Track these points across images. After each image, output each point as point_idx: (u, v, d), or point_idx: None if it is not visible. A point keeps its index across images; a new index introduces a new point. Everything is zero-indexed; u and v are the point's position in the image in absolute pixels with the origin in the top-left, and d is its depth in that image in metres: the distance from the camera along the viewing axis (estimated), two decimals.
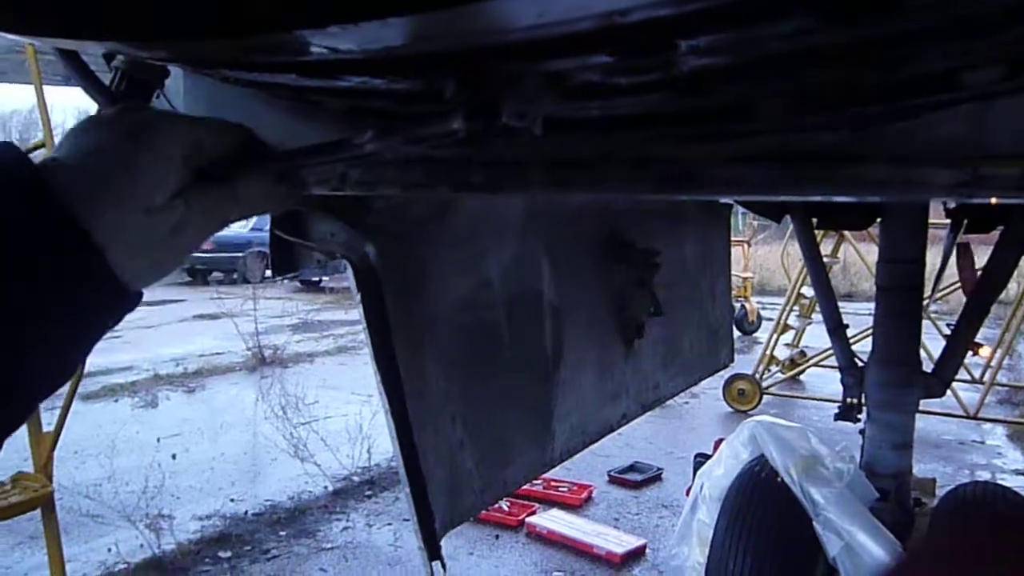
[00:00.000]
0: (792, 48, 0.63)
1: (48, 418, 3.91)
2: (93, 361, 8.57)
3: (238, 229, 18.36)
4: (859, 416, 3.84)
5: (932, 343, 5.43)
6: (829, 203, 3.39)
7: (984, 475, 6.49)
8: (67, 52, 1.05)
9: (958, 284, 7.16)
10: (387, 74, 0.67)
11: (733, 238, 11.57)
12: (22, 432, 3.78)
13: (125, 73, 1.23)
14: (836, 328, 3.87)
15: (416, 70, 0.65)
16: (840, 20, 0.54)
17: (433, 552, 1.78)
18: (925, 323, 5.78)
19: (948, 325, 4.45)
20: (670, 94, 0.73)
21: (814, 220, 3.80)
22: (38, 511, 3.62)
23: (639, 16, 0.50)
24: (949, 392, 6.77)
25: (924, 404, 3.99)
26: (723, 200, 3.31)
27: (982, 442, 7.53)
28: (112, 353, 10.04)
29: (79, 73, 1.11)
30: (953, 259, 4.05)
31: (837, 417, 3.89)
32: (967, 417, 7.66)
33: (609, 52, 0.60)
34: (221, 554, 4.83)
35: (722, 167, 0.87)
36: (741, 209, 4.69)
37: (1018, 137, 0.75)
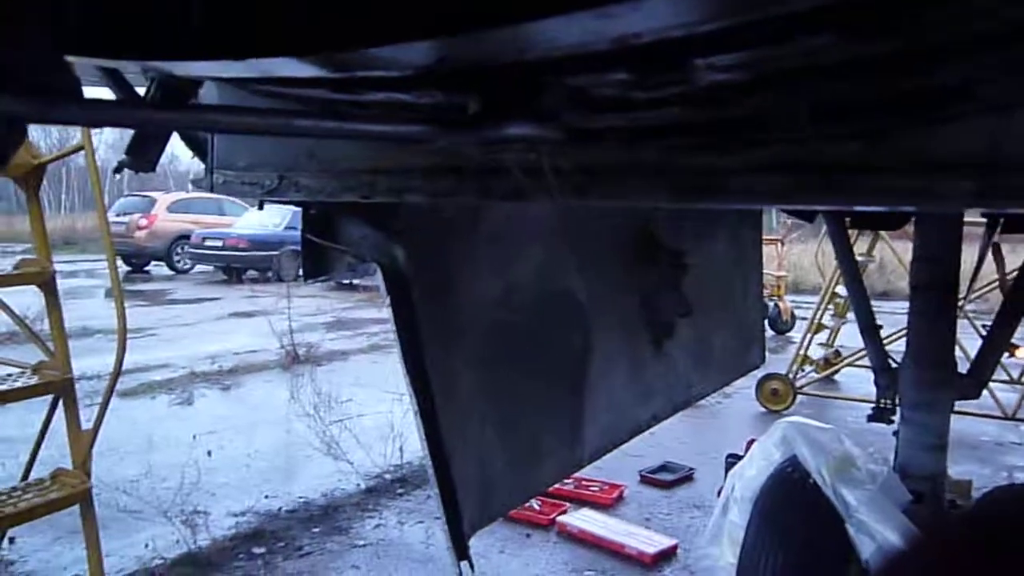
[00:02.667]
0: (806, 64, 0.64)
1: (87, 415, 4.00)
2: (131, 359, 8.72)
3: (273, 228, 18.58)
4: (893, 418, 3.81)
5: (969, 343, 5.35)
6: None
7: (1023, 477, 6.39)
8: (108, 69, 1.09)
9: (995, 283, 7.07)
10: (413, 90, 0.69)
11: (767, 236, 11.48)
12: (61, 429, 3.87)
13: (160, 83, 1.27)
14: (869, 328, 3.84)
15: (441, 86, 0.67)
16: (853, 39, 0.55)
17: (461, 552, 1.81)
18: (962, 322, 5.71)
19: (984, 327, 4.39)
20: (688, 107, 0.74)
21: (847, 219, 3.78)
22: (77, 507, 3.69)
23: (652, 37, 0.52)
24: (986, 392, 6.70)
25: (961, 405, 3.95)
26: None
27: (1021, 443, 7.41)
28: (149, 351, 10.19)
29: (117, 85, 1.15)
30: (989, 257, 4.01)
31: (870, 419, 3.86)
32: (1005, 418, 7.54)
33: (626, 69, 0.61)
34: (255, 550, 4.89)
35: (741, 176, 0.88)
36: (774, 208, 4.66)
37: None
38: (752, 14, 0.49)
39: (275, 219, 18.75)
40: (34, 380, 3.79)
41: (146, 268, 21.69)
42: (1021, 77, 0.71)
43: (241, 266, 18.94)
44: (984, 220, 3.68)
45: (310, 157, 1.21)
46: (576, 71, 0.62)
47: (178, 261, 21.12)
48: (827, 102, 0.80)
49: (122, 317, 3.84)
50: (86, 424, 3.75)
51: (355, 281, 17.81)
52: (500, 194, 1.01)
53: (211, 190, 1.44)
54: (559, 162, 0.86)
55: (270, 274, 18.40)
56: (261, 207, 1.49)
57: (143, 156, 1.37)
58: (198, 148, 1.46)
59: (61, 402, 3.87)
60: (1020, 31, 0.64)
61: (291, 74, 0.68)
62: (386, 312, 1.81)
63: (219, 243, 19.35)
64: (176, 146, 1.62)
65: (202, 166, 1.47)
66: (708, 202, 0.93)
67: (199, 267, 20.98)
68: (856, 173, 0.86)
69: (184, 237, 20.55)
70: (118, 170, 1.37)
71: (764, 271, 9.72)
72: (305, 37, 0.57)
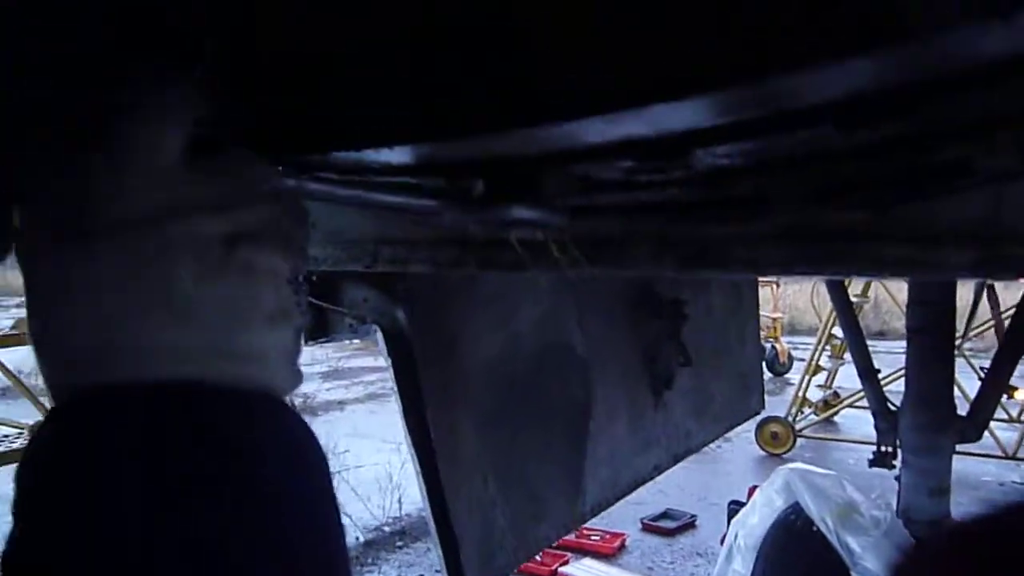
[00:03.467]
0: (807, 151, 0.65)
1: None
2: None
3: None
4: (894, 463, 3.80)
5: (968, 382, 5.35)
6: None
7: None
8: None
9: (990, 323, 7.09)
10: (418, 175, 0.70)
11: (762, 279, 11.52)
12: None
13: None
14: (867, 371, 3.85)
15: (445, 175, 0.69)
16: (853, 129, 0.56)
17: None
18: (960, 361, 5.71)
19: (982, 368, 4.40)
20: (689, 187, 0.75)
21: None
22: None
23: (654, 132, 0.53)
24: (987, 432, 6.69)
25: (962, 445, 3.94)
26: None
27: (1023, 483, 7.38)
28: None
29: None
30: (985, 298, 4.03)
31: (872, 464, 3.86)
32: (1006, 457, 7.52)
33: (629, 159, 0.63)
34: None
35: (742, 247, 0.89)
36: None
37: None
38: (749, 114, 0.50)
39: None
40: None
41: None
42: (1019, 152, 0.72)
43: None
44: None
45: (313, 227, 1.22)
46: (580, 161, 0.63)
47: None
48: (830, 182, 0.81)
49: None
50: None
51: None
52: (503, 266, 1.02)
53: None
54: (561, 236, 0.87)
55: None
56: None
57: None
58: None
59: None
60: (1017, 113, 0.66)
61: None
62: (383, 361, 1.81)
63: None
64: None
65: None
66: (711, 273, 0.94)
67: None
68: (858, 243, 0.87)
69: None
70: None
71: (760, 314, 9.74)
72: (294, 139, 0.58)
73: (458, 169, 0.70)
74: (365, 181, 0.78)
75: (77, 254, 0.44)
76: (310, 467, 0.50)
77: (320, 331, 1.77)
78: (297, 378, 0.53)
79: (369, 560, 5.56)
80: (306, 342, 1.80)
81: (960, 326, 4.26)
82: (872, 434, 3.91)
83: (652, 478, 2.91)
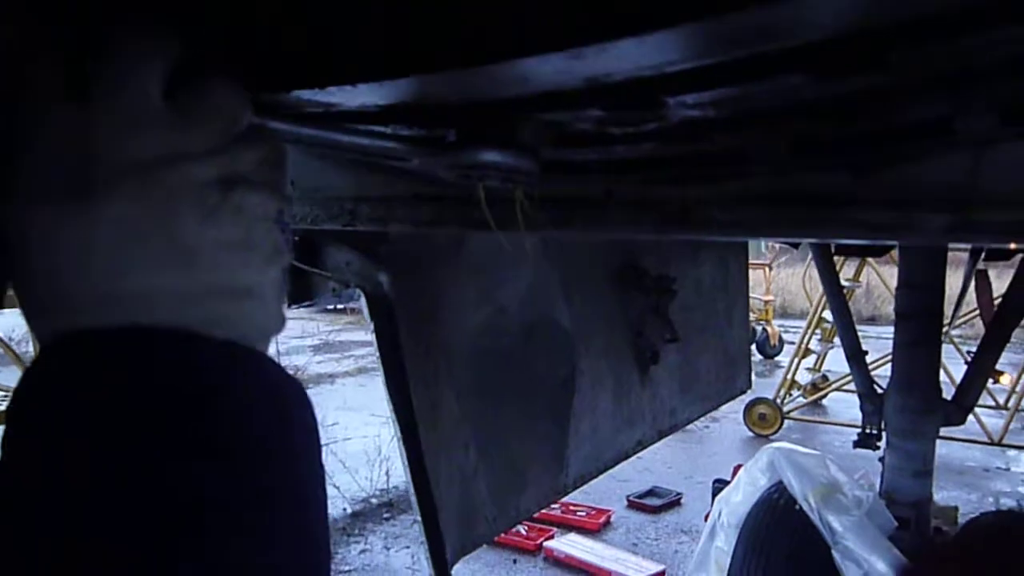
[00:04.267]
0: (781, 103, 0.65)
1: None
2: None
3: None
4: (879, 444, 3.82)
5: (956, 368, 5.37)
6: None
7: (1009, 503, 6.40)
8: None
9: (976, 311, 7.11)
10: (389, 123, 0.69)
11: (755, 261, 11.53)
12: None
13: None
14: (855, 354, 3.86)
15: (416, 121, 0.68)
16: (822, 79, 0.56)
17: None
18: (948, 348, 5.73)
19: (968, 353, 4.41)
20: (664, 142, 0.75)
21: (832, 245, 3.80)
22: None
23: (623, 76, 0.52)
24: (973, 418, 6.72)
25: (947, 430, 3.96)
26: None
27: (1007, 469, 7.43)
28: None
29: None
30: (972, 286, 4.04)
31: (856, 445, 3.87)
32: (991, 443, 7.56)
33: (600, 107, 0.62)
34: None
35: (720, 209, 0.89)
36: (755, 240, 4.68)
37: (1011, 183, 0.77)
38: (716, 57, 0.49)
39: None
40: None
41: None
42: (996, 114, 0.71)
43: None
44: (968, 247, 3.71)
45: (292, 185, 1.21)
46: (551, 108, 0.63)
47: None
48: (806, 138, 0.80)
49: None
50: None
51: (341, 304, 17.79)
52: (481, 224, 1.01)
53: None
54: (539, 194, 0.86)
55: None
56: None
57: None
58: None
59: None
60: (992, 70, 0.65)
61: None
62: (373, 335, 1.80)
63: None
64: None
65: None
66: (689, 234, 0.93)
67: None
68: (837, 206, 0.86)
69: None
70: None
71: (752, 296, 9.75)
72: (275, 73, 0.57)
73: (430, 116, 0.70)
74: (337, 127, 0.78)
75: (78, 208, 0.43)
76: (295, 424, 0.50)
77: (303, 294, 1.76)
78: (284, 318, 0.53)
79: (356, 531, 5.58)
80: (289, 305, 1.80)
81: (948, 312, 4.26)
82: (859, 417, 3.93)
83: (636, 453, 2.92)
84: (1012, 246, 2.26)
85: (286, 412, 0.49)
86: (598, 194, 0.94)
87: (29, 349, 4.18)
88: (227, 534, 0.42)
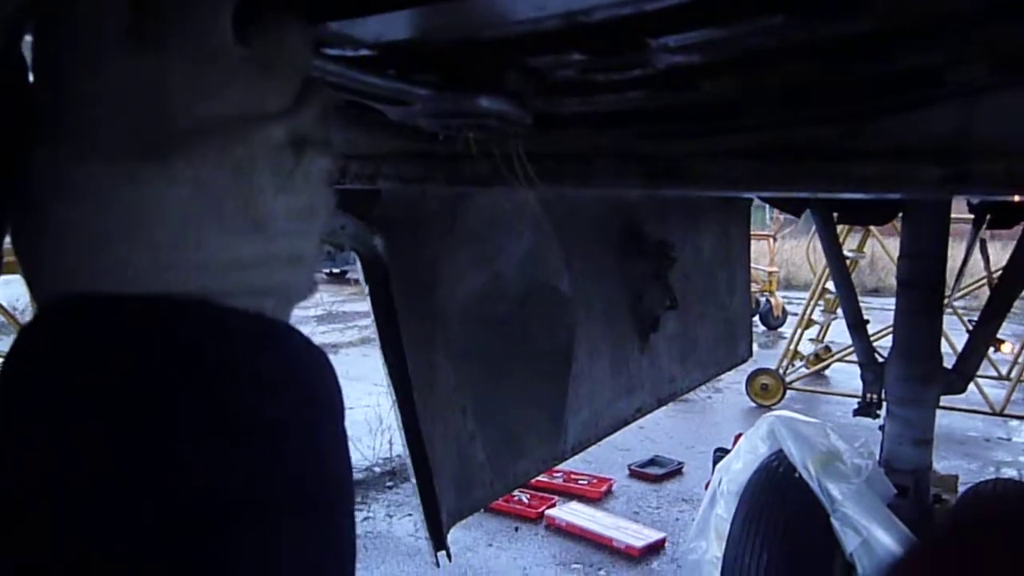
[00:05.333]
0: (767, 46, 0.63)
1: None
2: None
3: None
4: (879, 412, 3.83)
5: (959, 339, 5.37)
6: (850, 198, 3.37)
7: (1010, 472, 6.42)
8: None
9: (982, 281, 7.09)
10: (369, 70, 0.68)
11: (759, 232, 11.48)
12: None
13: None
14: (857, 324, 3.85)
15: (394, 66, 0.66)
16: (806, 20, 0.54)
17: (438, 542, 1.80)
18: (951, 318, 5.72)
19: (971, 321, 4.40)
20: (652, 90, 0.73)
21: (835, 215, 3.78)
22: None
23: (602, 16, 0.51)
24: (975, 388, 6.72)
25: (949, 400, 3.96)
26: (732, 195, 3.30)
27: (1008, 439, 7.45)
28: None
29: None
30: (977, 254, 4.02)
31: (856, 413, 3.88)
32: (993, 414, 7.57)
33: (581, 50, 0.61)
34: None
35: (710, 162, 0.88)
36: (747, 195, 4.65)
37: (1003, 134, 0.75)
38: None
39: None
40: None
41: None
42: (988, 62, 0.70)
43: None
44: (971, 216, 3.69)
45: None
46: (532, 51, 0.61)
47: None
48: (796, 88, 0.79)
49: None
50: None
51: (348, 274, 17.82)
52: (470, 180, 1.00)
53: None
54: (527, 148, 0.85)
55: None
56: None
57: None
58: None
59: None
60: (982, 14, 0.63)
61: None
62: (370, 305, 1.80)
63: None
64: None
65: None
66: (678, 188, 0.92)
67: None
68: (828, 160, 0.85)
69: None
70: None
71: (756, 267, 9.73)
72: None
73: (419, 60, 0.68)
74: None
75: (149, 167, 0.39)
76: (324, 406, 0.45)
77: None
78: (316, 282, 0.50)
79: (359, 500, 5.62)
80: None
81: (951, 283, 4.25)
82: (861, 388, 3.93)
83: (635, 420, 2.92)
84: (1016, 199, 2.24)
85: (316, 395, 0.45)
86: (586, 149, 0.93)
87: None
88: (246, 533, 0.38)
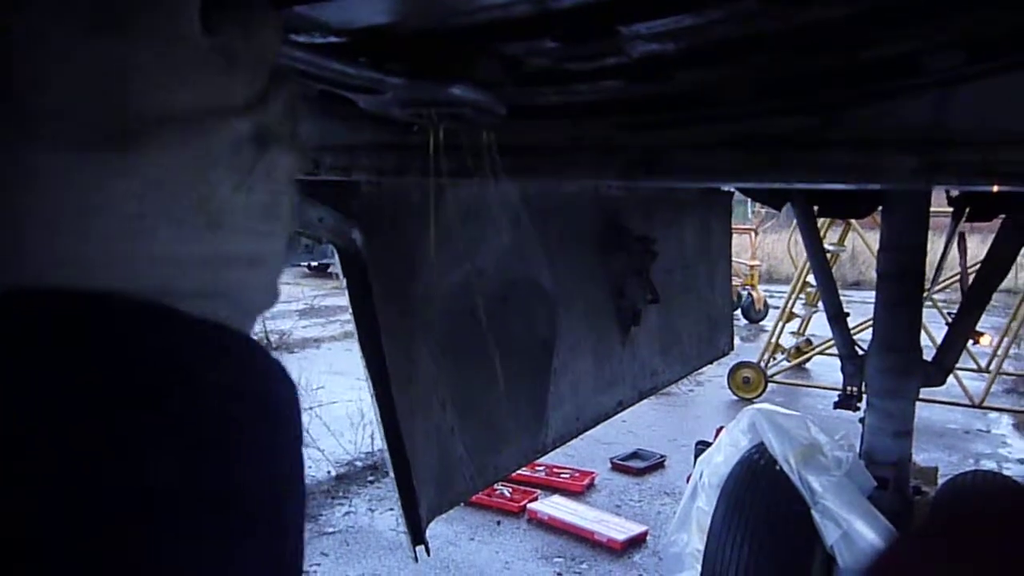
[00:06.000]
0: (740, 34, 0.63)
1: None
2: None
3: None
4: (859, 404, 3.84)
5: (939, 331, 5.41)
6: (830, 190, 3.37)
7: (989, 464, 6.47)
8: None
9: (958, 275, 7.14)
10: (340, 57, 0.67)
11: (741, 226, 11.52)
12: None
13: None
14: (837, 316, 3.86)
15: (367, 52, 0.65)
16: (778, 6, 0.54)
17: (417, 536, 1.79)
18: (932, 311, 5.76)
19: (949, 314, 4.42)
20: (626, 80, 0.72)
21: (815, 208, 3.79)
22: None
23: (571, 2, 0.50)
24: (955, 381, 6.78)
25: (929, 393, 3.98)
26: (721, 187, 3.30)
27: (987, 431, 7.51)
28: None
29: None
30: (955, 248, 4.04)
31: (836, 405, 3.89)
32: (972, 406, 7.63)
33: (552, 37, 0.60)
34: None
35: (687, 153, 0.87)
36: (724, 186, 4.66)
37: (979, 124, 0.75)
38: None
39: None
40: None
41: None
42: (964, 49, 0.69)
43: None
44: (950, 209, 3.71)
45: None
46: (503, 38, 0.60)
47: None
48: (771, 77, 0.78)
49: None
50: None
51: (329, 268, 17.75)
52: (445, 171, 0.99)
53: None
54: (505, 140, 0.84)
55: None
56: None
57: None
58: None
59: None
60: (965, 3, 0.63)
61: None
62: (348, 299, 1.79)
63: None
64: None
65: None
66: (655, 180, 0.92)
67: None
68: (804, 150, 0.85)
69: None
70: None
71: (737, 260, 9.76)
72: None
73: (381, 49, 0.67)
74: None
75: (105, 157, 0.38)
76: (278, 416, 0.43)
77: None
78: (279, 291, 0.47)
79: (340, 494, 5.60)
80: None
81: (930, 274, 4.27)
82: (842, 380, 3.94)
83: (617, 413, 2.92)
84: (995, 189, 2.24)
85: (268, 404, 0.43)
86: (563, 140, 0.92)
87: None
88: (183, 541, 0.36)
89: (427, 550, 1.78)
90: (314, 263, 16.11)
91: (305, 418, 5.07)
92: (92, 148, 0.37)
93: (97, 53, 0.37)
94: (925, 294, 3.79)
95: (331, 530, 5.02)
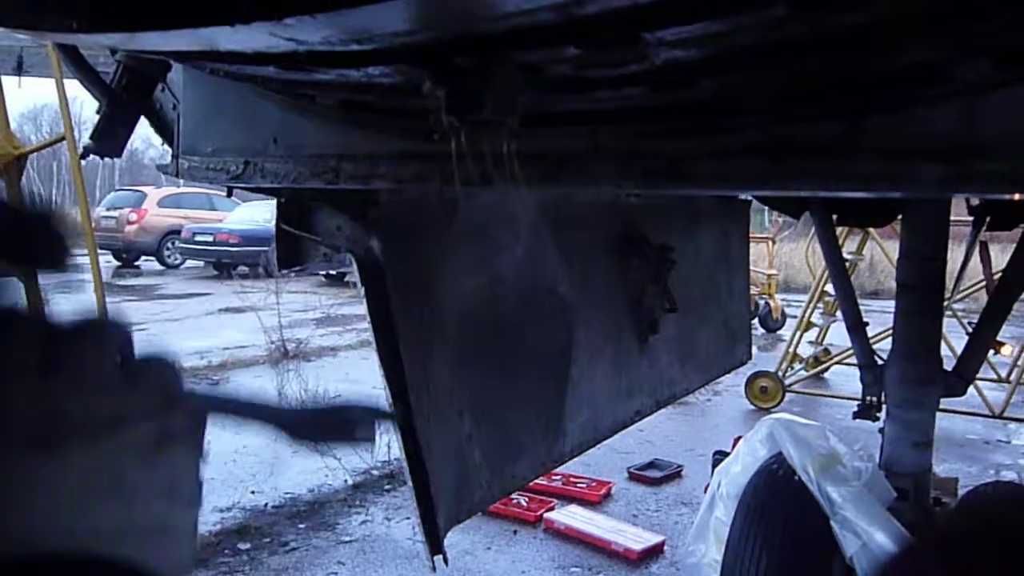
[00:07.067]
0: (767, 41, 0.62)
1: None
2: None
3: (263, 224, 18.53)
4: (878, 415, 3.80)
5: (958, 341, 5.35)
6: (849, 199, 3.35)
7: (1010, 475, 6.40)
8: (64, 46, 1.06)
9: (981, 283, 7.07)
10: (358, 66, 0.67)
11: (758, 235, 11.48)
12: None
13: (127, 67, 1.25)
14: (856, 325, 3.83)
15: (385, 63, 0.65)
16: (804, 11, 0.53)
17: (435, 546, 1.78)
18: (951, 321, 5.71)
19: (969, 324, 4.38)
20: (649, 87, 0.72)
21: (834, 216, 3.77)
22: None
23: (596, 8, 0.50)
24: (975, 391, 6.71)
25: (949, 403, 3.93)
26: (738, 196, 3.29)
27: (1008, 441, 7.43)
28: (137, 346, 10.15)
29: (77, 67, 1.12)
30: (976, 257, 4.01)
31: (856, 415, 3.85)
32: (993, 416, 7.55)
33: (576, 44, 0.59)
34: (241, 546, 4.87)
35: (709, 161, 0.86)
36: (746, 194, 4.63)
37: (1008, 133, 0.74)
38: None
39: (266, 215, 18.70)
40: None
41: (136, 263, 21.63)
42: (993, 56, 0.68)
43: (231, 261, 18.85)
44: (970, 218, 3.68)
45: (276, 142, 1.18)
46: (525, 45, 0.60)
47: (168, 256, 21.06)
48: (797, 84, 0.78)
49: (102, 308, 3.82)
50: None
51: (346, 278, 17.79)
52: (466, 181, 0.99)
53: (177, 175, 1.41)
54: (525, 148, 0.83)
55: (260, 270, 18.35)
56: (230, 194, 1.47)
57: (110, 141, 1.35)
58: (167, 133, 1.43)
59: None
60: (990, 5, 0.62)
61: (235, 47, 0.65)
62: (364, 300, 1.78)
63: (209, 238, 19.30)
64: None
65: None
66: (677, 188, 0.91)
67: (189, 262, 20.92)
68: (829, 158, 0.84)
69: (174, 232, 20.50)
70: (84, 155, 1.34)
71: (755, 269, 9.72)
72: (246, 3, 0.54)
73: (403, 59, 0.67)
74: (313, 82, 0.75)
75: (38, 455, 0.51)
76: None
77: (294, 259, 1.74)
78: (194, 561, 0.63)
79: (357, 502, 5.60)
80: (279, 269, 1.78)
81: (950, 284, 4.23)
82: (860, 390, 3.91)
83: (634, 423, 2.91)
84: (1016, 197, 2.23)
85: None
86: (584, 147, 0.92)
87: None
88: None
89: (445, 559, 1.77)
90: (331, 272, 16.19)
91: None
92: (25, 449, 0.50)
93: (40, 386, 0.52)
94: (945, 304, 3.75)
95: (348, 539, 5.01)
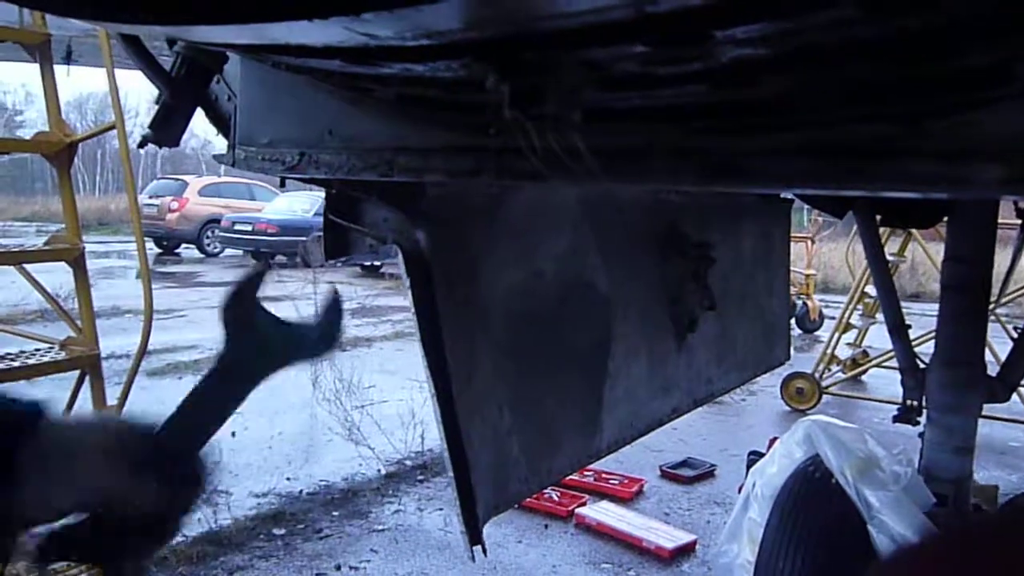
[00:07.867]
0: (834, 40, 0.62)
1: (114, 392, 4.04)
2: (160, 339, 8.80)
3: (302, 214, 18.70)
4: (919, 419, 3.76)
5: (1001, 347, 5.27)
6: (893, 199, 3.31)
7: None
8: (128, 37, 1.09)
9: None
10: (425, 61, 0.68)
11: (797, 234, 11.36)
12: (88, 405, 3.92)
13: (185, 58, 1.27)
14: (897, 328, 3.79)
15: (453, 58, 0.66)
16: (875, 14, 0.53)
17: (474, 537, 1.80)
18: (994, 326, 5.61)
19: (1015, 328, 4.31)
20: (711, 85, 0.72)
21: (878, 217, 3.72)
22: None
23: (670, 6, 0.50)
24: (1017, 398, 6.59)
25: (990, 409, 3.87)
26: (782, 194, 3.26)
27: None
28: (178, 331, 10.31)
29: (139, 58, 1.15)
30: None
31: (896, 419, 3.81)
32: None
33: (644, 42, 0.60)
34: (275, 531, 4.93)
35: (765, 159, 0.86)
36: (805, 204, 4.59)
37: None
38: None
39: (304, 205, 18.90)
40: (61, 355, 3.85)
41: (176, 250, 21.96)
42: None
43: (269, 251, 19.06)
44: (1019, 221, 3.62)
45: (331, 134, 1.20)
46: (593, 43, 0.61)
47: (208, 244, 21.35)
48: (858, 84, 0.78)
49: (148, 297, 3.88)
50: (112, 401, 3.79)
51: (381, 268, 17.90)
52: (519, 175, 1.00)
53: (233, 165, 1.44)
54: (581, 143, 0.84)
55: (297, 259, 18.53)
56: (283, 185, 1.49)
57: (167, 131, 1.38)
58: (222, 124, 1.46)
59: (88, 378, 3.92)
60: None
61: (307, 41, 0.67)
62: (408, 292, 1.80)
63: (248, 227, 19.52)
64: (210, 131, 1.62)
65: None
66: (733, 185, 0.91)
67: (228, 251, 21.17)
68: (886, 158, 0.83)
69: (214, 221, 20.77)
70: (142, 144, 1.37)
71: (793, 269, 9.63)
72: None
73: (468, 54, 0.68)
74: (376, 76, 0.76)
75: None
76: None
77: (340, 250, 1.76)
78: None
79: (390, 492, 5.64)
80: (327, 259, 1.80)
81: (996, 289, 4.16)
82: (899, 394, 3.86)
83: (671, 420, 2.90)
84: None
85: None
86: (639, 144, 0.92)
87: (74, 306, 4.27)
88: None
89: (484, 550, 1.79)
90: (366, 263, 16.31)
91: (356, 416, 5.11)
92: None
93: None
94: (990, 308, 3.70)
95: (380, 528, 5.06)
